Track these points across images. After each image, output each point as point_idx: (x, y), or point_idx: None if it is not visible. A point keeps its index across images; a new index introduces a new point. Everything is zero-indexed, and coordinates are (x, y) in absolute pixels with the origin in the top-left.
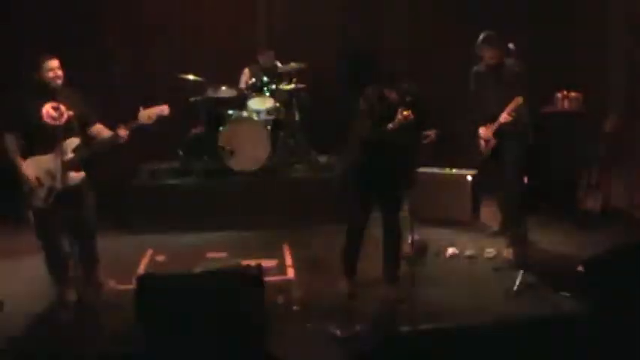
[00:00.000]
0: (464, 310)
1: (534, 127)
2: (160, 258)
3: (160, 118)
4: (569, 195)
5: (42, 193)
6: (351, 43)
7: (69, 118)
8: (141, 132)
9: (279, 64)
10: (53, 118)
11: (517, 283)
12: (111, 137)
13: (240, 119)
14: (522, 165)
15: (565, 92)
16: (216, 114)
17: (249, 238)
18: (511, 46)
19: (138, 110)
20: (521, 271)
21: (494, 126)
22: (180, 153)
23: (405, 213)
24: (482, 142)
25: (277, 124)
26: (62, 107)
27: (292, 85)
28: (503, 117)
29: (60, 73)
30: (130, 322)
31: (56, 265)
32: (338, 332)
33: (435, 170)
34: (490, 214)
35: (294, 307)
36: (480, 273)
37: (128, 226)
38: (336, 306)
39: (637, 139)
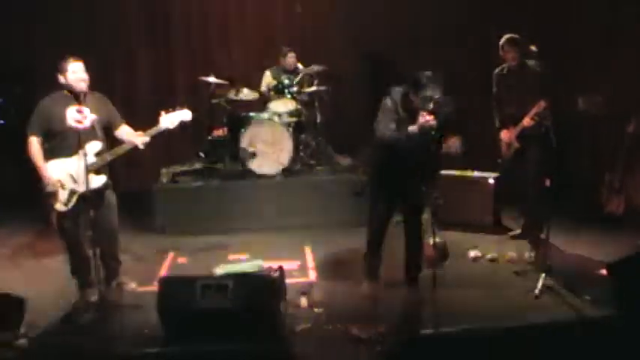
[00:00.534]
0: (486, 313)
1: (557, 129)
2: (182, 260)
3: (182, 123)
4: (591, 198)
5: (64, 195)
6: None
7: (92, 122)
8: (163, 134)
9: (300, 66)
10: (77, 122)
11: (539, 286)
12: (133, 143)
13: (262, 121)
14: (545, 168)
15: (588, 94)
16: (237, 116)
17: (271, 239)
18: (533, 48)
19: (159, 114)
20: (543, 275)
21: (516, 129)
22: (202, 155)
23: (426, 215)
24: (505, 145)
25: (299, 126)
26: (86, 110)
27: (313, 87)
28: (526, 121)
29: (84, 76)
30: (152, 324)
31: (79, 266)
32: (360, 334)
33: (457, 173)
34: (512, 217)
35: (316, 309)
36: (501, 276)
37: (150, 228)
38: (358, 308)
39: None
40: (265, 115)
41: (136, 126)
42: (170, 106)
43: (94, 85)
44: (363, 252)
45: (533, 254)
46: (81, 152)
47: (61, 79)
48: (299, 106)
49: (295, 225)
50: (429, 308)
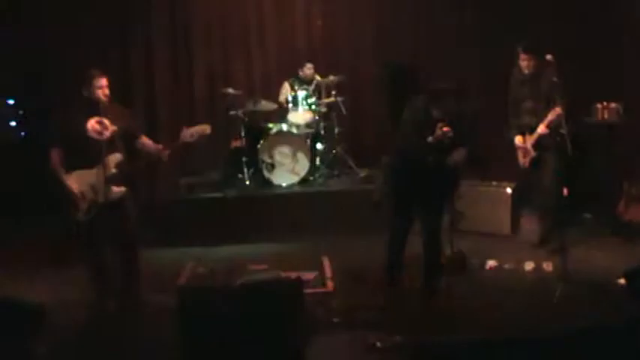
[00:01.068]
0: (504, 322)
1: (573, 138)
2: (201, 270)
3: (202, 138)
4: (609, 206)
5: (85, 206)
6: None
7: (113, 133)
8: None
9: (318, 78)
10: (98, 133)
11: (557, 295)
12: (153, 156)
13: (280, 133)
14: (562, 177)
15: (604, 103)
16: (256, 127)
17: (289, 250)
18: (549, 57)
19: (180, 129)
20: (562, 284)
21: (532, 138)
22: (221, 166)
23: (445, 225)
24: (521, 154)
25: (317, 137)
26: (106, 122)
27: (331, 98)
28: (542, 129)
29: (107, 91)
30: (171, 334)
31: (98, 275)
32: (378, 343)
33: (475, 183)
34: (530, 226)
35: (334, 319)
36: (520, 285)
37: (169, 239)
38: (376, 317)
39: None
40: (284, 127)
41: (156, 137)
42: (189, 118)
43: (113, 96)
44: (382, 262)
45: (551, 263)
46: (101, 164)
47: (85, 91)
48: (317, 118)
49: (314, 235)
50: (448, 317)
